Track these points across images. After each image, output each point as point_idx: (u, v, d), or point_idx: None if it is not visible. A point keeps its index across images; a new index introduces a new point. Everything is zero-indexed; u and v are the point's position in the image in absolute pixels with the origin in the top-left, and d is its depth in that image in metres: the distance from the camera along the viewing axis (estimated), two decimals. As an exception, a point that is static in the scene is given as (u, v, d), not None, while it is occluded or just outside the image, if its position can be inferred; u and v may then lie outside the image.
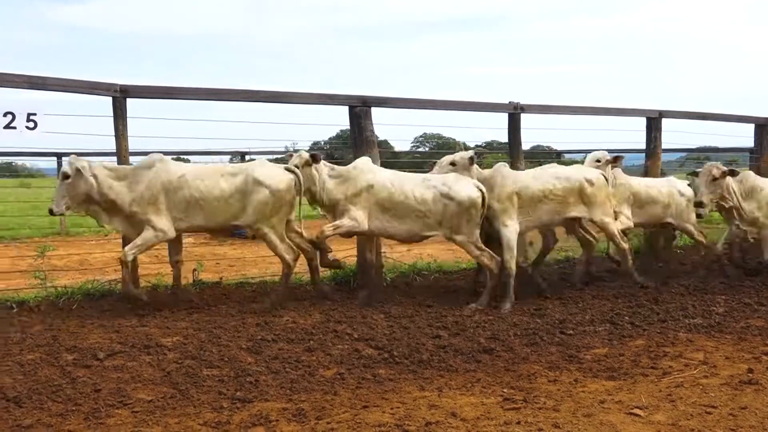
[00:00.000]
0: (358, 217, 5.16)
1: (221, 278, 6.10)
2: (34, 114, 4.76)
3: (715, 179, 5.69)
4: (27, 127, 4.72)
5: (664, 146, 7.92)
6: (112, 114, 5.21)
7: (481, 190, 5.26)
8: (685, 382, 3.58)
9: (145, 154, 5.24)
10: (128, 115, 5.27)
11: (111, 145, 5.29)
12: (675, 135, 8.25)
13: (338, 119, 6.42)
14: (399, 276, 6.28)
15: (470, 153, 5.63)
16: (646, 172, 7.61)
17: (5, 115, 4.68)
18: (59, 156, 11.72)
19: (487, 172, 5.56)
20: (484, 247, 5.31)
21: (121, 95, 5.19)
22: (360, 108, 5.93)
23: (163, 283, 5.81)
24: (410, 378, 3.68)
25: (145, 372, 3.70)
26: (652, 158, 7.72)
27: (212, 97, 5.83)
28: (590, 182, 5.55)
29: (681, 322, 4.78)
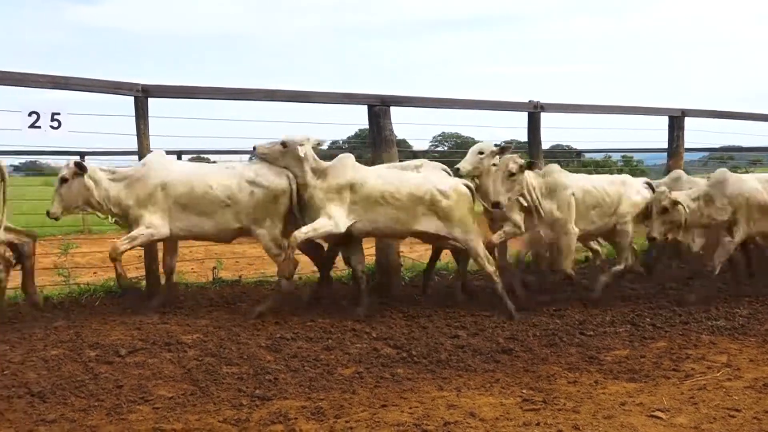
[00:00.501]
0: (155, 221, 4.68)
1: (240, 276, 6.15)
2: (58, 113, 4.82)
3: (512, 174, 4.86)
4: (51, 127, 4.78)
5: (686, 145, 7.82)
6: (134, 113, 5.27)
7: (289, 178, 4.81)
8: (708, 385, 3.54)
9: (167, 153, 5.27)
10: (150, 114, 5.32)
11: (133, 144, 5.36)
12: (698, 134, 8.15)
13: (357, 118, 6.42)
14: (417, 276, 6.27)
15: (302, 138, 4.86)
16: (669, 172, 7.52)
17: (30, 114, 4.75)
18: (82, 155, 11.89)
19: (330, 161, 4.94)
20: (284, 246, 4.77)
21: (142, 95, 5.24)
22: (379, 107, 5.93)
23: (183, 280, 5.86)
24: (429, 377, 3.68)
25: (166, 369, 3.73)
26: (674, 158, 7.62)
27: (232, 97, 5.87)
28: (444, 194, 4.86)
29: (704, 324, 4.71)
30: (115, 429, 2.95)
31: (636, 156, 16.32)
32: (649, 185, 5.71)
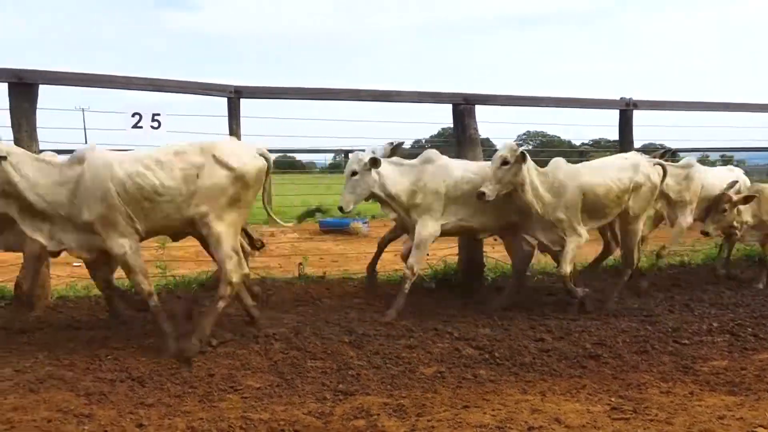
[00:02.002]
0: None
1: (324, 273, 6.27)
2: (158, 114, 5.09)
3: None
4: (152, 127, 5.06)
5: (796, 143, 7.30)
6: (226, 114, 5.49)
7: None
8: (817, 402, 3.28)
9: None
10: (241, 114, 5.53)
11: (225, 143, 5.58)
12: (809, 131, 7.59)
13: (440, 117, 6.43)
14: (501, 276, 6.18)
15: None
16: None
17: (133, 115, 5.05)
18: (178, 154, 12.49)
19: None
20: None
21: (235, 96, 5.46)
22: (463, 106, 5.89)
23: (270, 275, 6.05)
24: (512, 380, 3.62)
25: (254, 360, 3.87)
26: (781, 157, 7.13)
27: (319, 97, 5.99)
28: None
29: (813, 336, 4.37)
30: (207, 415, 3.08)
31: (738, 155, 15.40)
32: None
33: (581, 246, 4.96)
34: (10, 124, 4.76)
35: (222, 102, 5.51)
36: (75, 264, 7.16)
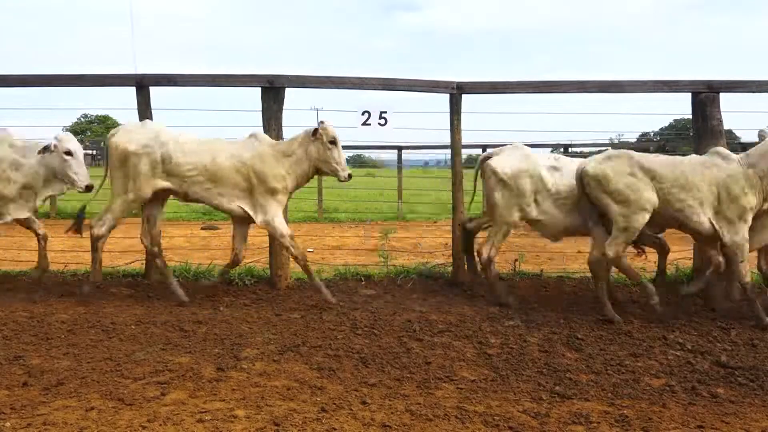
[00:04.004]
0: None
1: (542, 270, 6.13)
2: (385, 112, 5.40)
3: None
4: (379, 124, 5.38)
5: None
6: (448, 110, 5.62)
7: None
8: None
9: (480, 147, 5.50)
10: (462, 110, 5.61)
11: (445, 138, 5.72)
12: None
13: (672, 108, 5.87)
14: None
15: None
16: None
17: (363, 113, 5.41)
18: (400, 149, 13.17)
19: None
20: None
21: (457, 92, 5.56)
22: (705, 94, 5.32)
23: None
24: (757, 404, 3.20)
25: (469, 352, 3.92)
26: None
27: (542, 90, 5.84)
28: None
29: None
30: (424, 401, 3.19)
31: None
32: None
33: None
34: (261, 124, 5.41)
35: (444, 98, 5.65)
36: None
